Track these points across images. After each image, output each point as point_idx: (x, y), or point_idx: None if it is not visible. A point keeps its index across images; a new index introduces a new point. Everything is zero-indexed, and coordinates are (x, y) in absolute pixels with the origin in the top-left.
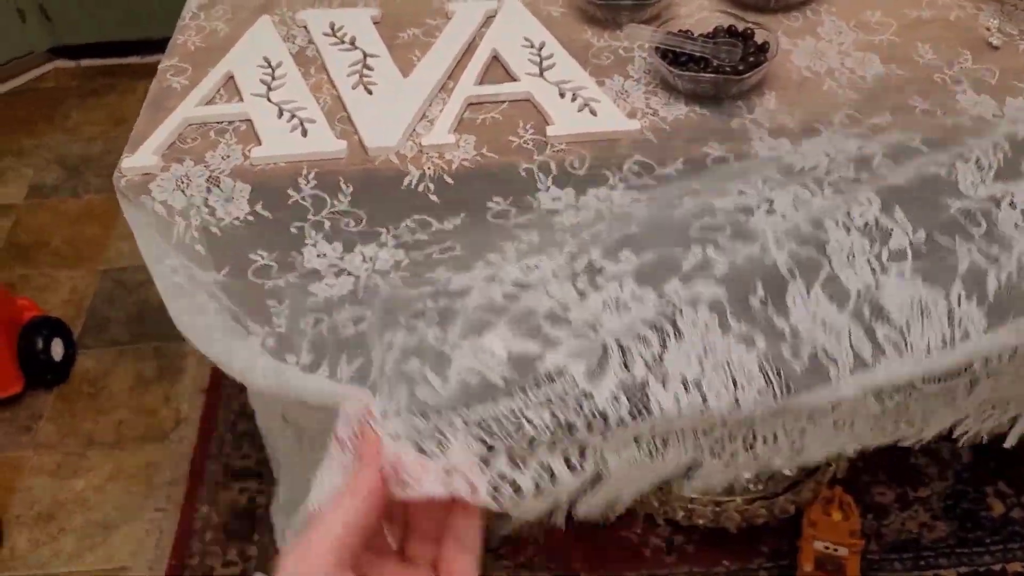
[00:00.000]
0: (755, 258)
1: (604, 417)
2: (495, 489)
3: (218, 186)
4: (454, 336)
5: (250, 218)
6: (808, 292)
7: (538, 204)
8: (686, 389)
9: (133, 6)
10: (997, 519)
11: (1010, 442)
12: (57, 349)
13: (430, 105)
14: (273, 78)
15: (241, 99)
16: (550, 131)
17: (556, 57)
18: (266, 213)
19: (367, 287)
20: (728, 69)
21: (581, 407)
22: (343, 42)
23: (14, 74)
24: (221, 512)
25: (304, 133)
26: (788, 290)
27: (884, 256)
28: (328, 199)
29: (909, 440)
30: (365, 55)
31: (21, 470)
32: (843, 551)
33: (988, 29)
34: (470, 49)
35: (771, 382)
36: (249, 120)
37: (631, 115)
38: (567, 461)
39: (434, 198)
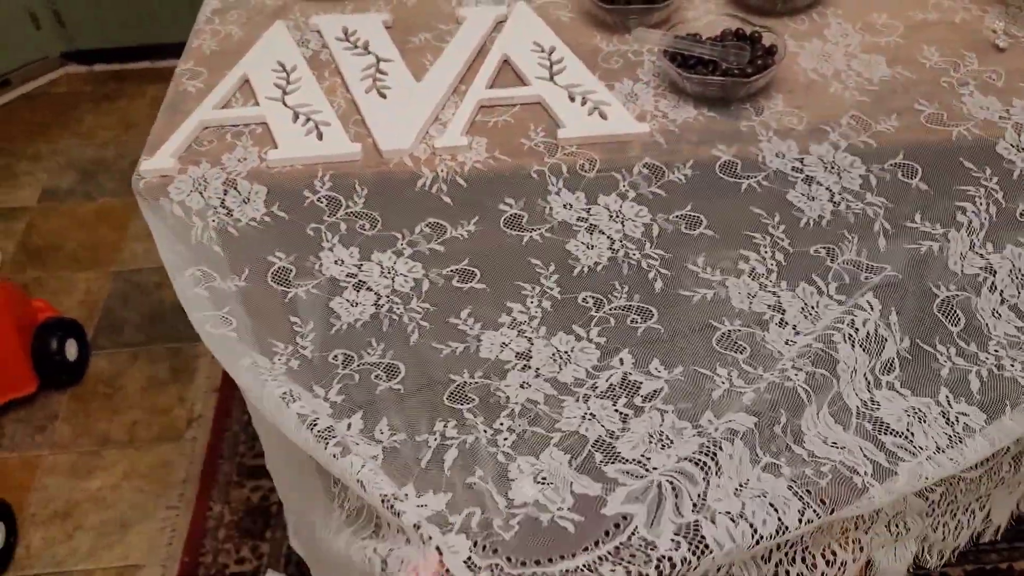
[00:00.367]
0: (777, 385)
1: (671, 562)
2: None
3: (235, 188)
4: (507, 444)
5: (267, 219)
6: (818, 414)
7: (549, 210)
8: (734, 522)
9: (144, 12)
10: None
11: None
12: (71, 350)
13: (442, 108)
14: (288, 82)
15: (256, 102)
16: (561, 134)
17: (566, 61)
18: (282, 214)
19: (391, 319)
20: (736, 72)
21: (648, 556)
22: (356, 47)
23: (28, 79)
24: (234, 510)
25: (319, 136)
26: (804, 414)
27: (877, 368)
28: (343, 200)
29: (987, 534)
30: (378, 59)
31: (36, 469)
32: None
33: (994, 31)
34: (481, 53)
35: (806, 502)
36: (265, 123)
37: (640, 118)
38: None
39: (447, 199)
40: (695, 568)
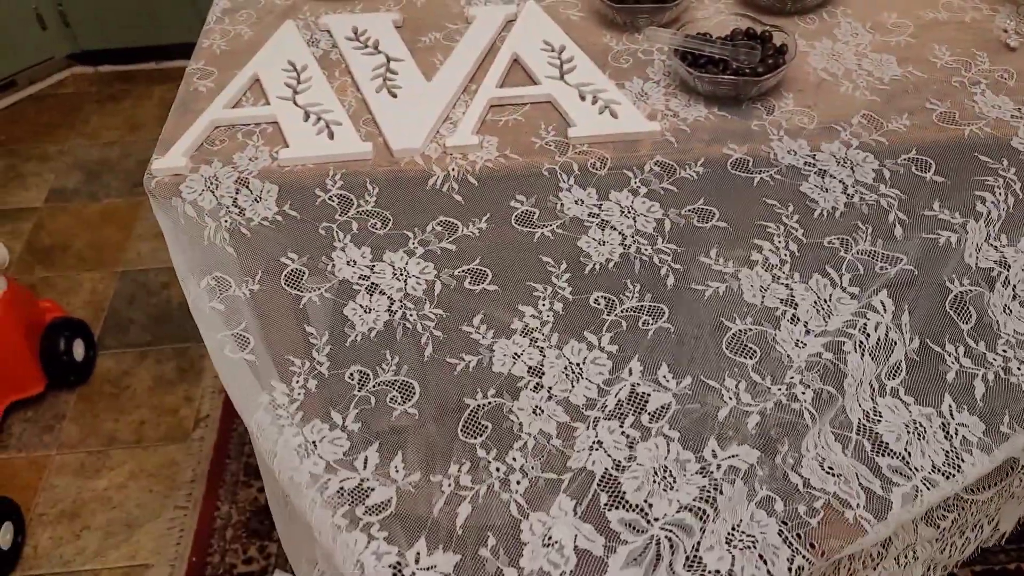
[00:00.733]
0: (784, 406)
1: None
2: None
3: (247, 187)
4: (520, 492)
5: (279, 218)
6: (819, 433)
7: (561, 206)
8: None
9: (150, 13)
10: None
11: None
12: (79, 350)
13: (453, 107)
14: (299, 81)
15: (267, 102)
16: (571, 133)
17: (576, 60)
18: (294, 213)
19: (404, 327)
20: (747, 71)
21: None
22: (366, 46)
23: (34, 80)
24: (242, 510)
25: (331, 135)
26: (806, 436)
27: (884, 374)
28: (354, 199)
29: (992, 541)
30: (388, 59)
31: (44, 469)
32: None
33: (1005, 31)
34: (491, 53)
35: (796, 548)
36: (276, 122)
37: (651, 117)
38: None
39: (458, 198)
40: None
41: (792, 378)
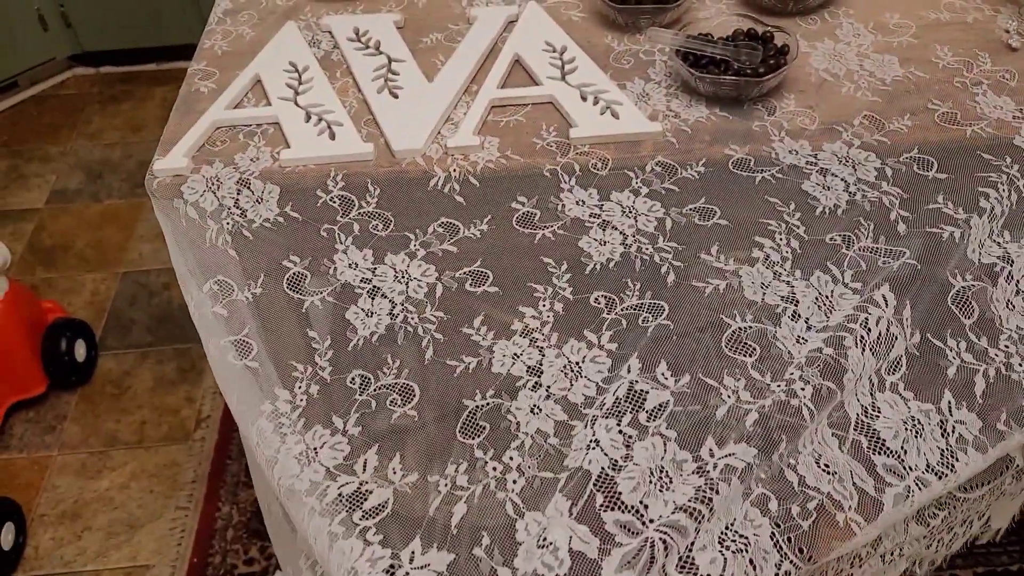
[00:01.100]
0: (782, 403)
1: None
2: None
3: (248, 187)
4: (516, 491)
5: (280, 219)
6: (817, 429)
7: (562, 207)
8: None
9: (152, 14)
10: (1015, 519)
11: None
12: (80, 350)
13: (454, 108)
14: (300, 82)
15: (269, 103)
16: (573, 133)
17: (578, 61)
18: (296, 215)
19: (405, 330)
20: (748, 72)
21: None
22: (368, 47)
23: (36, 81)
24: (243, 511)
25: (332, 136)
26: (804, 432)
27: (884, 369)
28: (356, 200)
29: (984, 538)
30: (390, 59)
31: (46, 469)
32: None
33: (1007, 31)
34: (492, 53)
35: (784, 553)
36: (277, 123)
37: (652, 117)
38: None
39: (460, 199)
40: None
41: (792, 374)
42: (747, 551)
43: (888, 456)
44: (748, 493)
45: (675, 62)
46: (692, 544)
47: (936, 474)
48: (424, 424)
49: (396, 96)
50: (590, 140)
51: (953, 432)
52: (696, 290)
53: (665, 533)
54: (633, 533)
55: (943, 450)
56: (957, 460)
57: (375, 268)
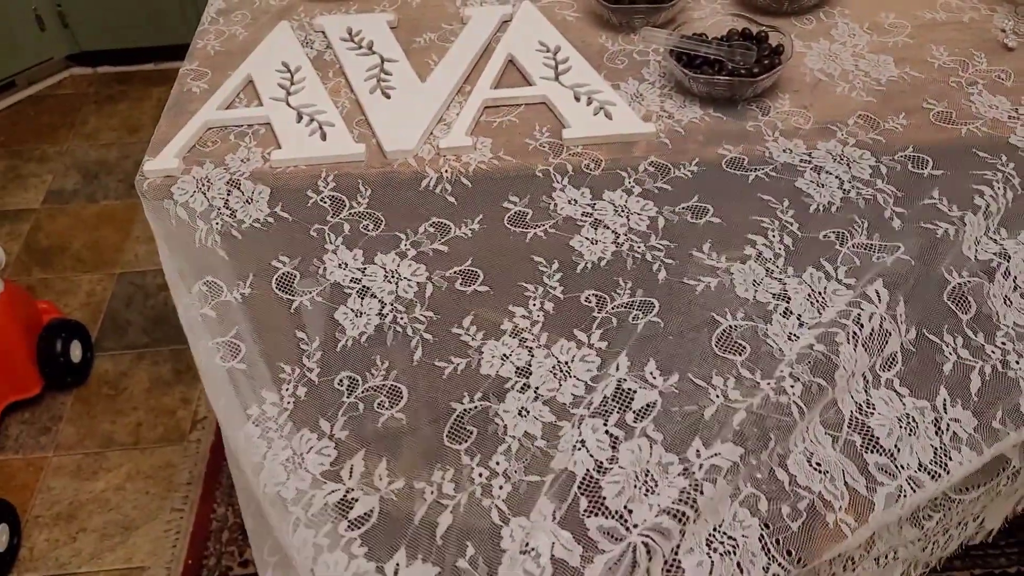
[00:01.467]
0: (772, 401)
1: None
2: None
3: (238, 188)
4: (502, 497)
5: (270, 220)
6: (808, 427)
7: (554, 206)
8: None
9: (149, 14)
10: (1013, 521)
11: None
12: (76, 351)
13: (447, 108)
14: (292, 82)
15: (260, 103)
16: (566, 134)
17: (571, 61)
18: (286, 215)
19: (394, 331)
20: (743, 72)
21: None
22: (360, 47)
23: (33, 81)
24: (238, 512)
25: (323, 137)
26: (794, 431)
27: (878, 365)
28: (347, 201)
29: (978, 538)
30: (383, 59)
31: (41, 471)
32: None
33: (1003, 31)
34: (486, 53)
35: (772, 556)
36: (268, 123)
37: (646, 118)
38: None
39: (451, 199)
40: None
41: (782, 371)
42: (735, 553)
43: (881, 455)
44: (736, 494)
45: (669, 62)
46: (677, 548)
47: (929, 473)
48: (412, 428)
49: (388, 96)
50: (583, 141)
51: (947, 431)
52: (687, 287)
53: (648, 538)
54: (616, 539)
55: (936, 448)
56: (950, 459)
57: (365, 268)
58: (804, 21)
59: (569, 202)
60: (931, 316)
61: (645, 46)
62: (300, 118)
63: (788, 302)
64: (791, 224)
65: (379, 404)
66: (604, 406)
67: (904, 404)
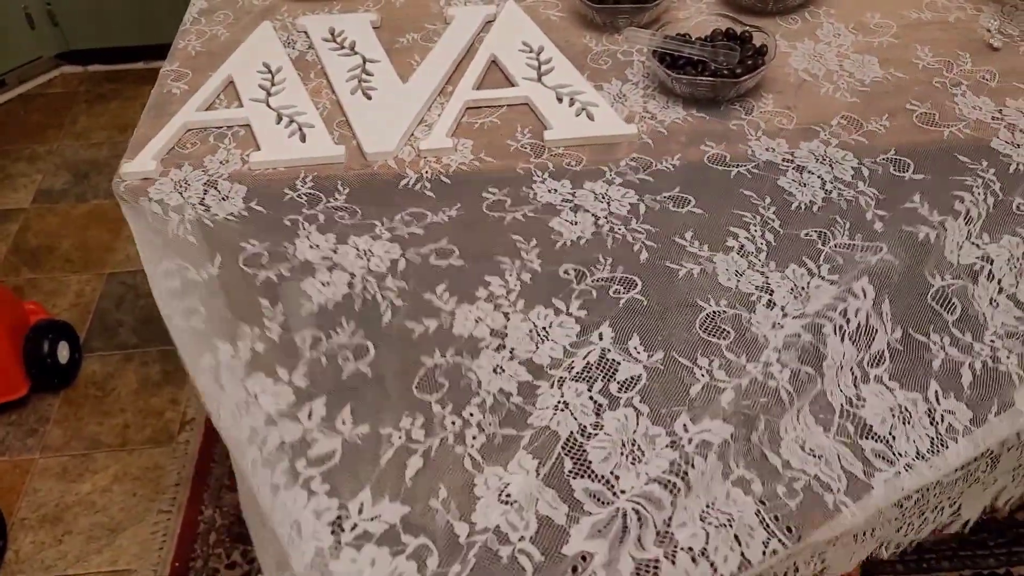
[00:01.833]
0: (759, 383)
1: None
2: None
3: (215, 188)
4: (476, 446)
5: (244, 213)
6: (799, 415)
7: (534, 195)
8: (694, 561)
9: (139, 12)
10: (1002, 521)
11: None
12: (63, 352)
13: (428, 109)
14: (273, 83)
15: (241, 104)
16: (548, 135)
17: (554, 61)
18: (260, 208)
19: (364, 298)
20: (726, 72)
21: None
22: (343, 47)
23: (23, 79)
24: (226, 515)
25: (303, 138)
26: (784, 416)
27: (866, 361)
28: (323, 197)
29: (953, 527)
30: (364, 60)
31: (27, 473)
32: None
33: (988, 30)
34: (469, 54)
35: (772, 531)
36: (249, 125)
37: (629, 119)
38: None
39: (430, 194)
40: None
41: (768, 357)
42: (731, 526)
43: (877, 441)
44: (728, 473)
45: (652, 63)
46: (670, 519)
47: (927, 461)
48: (378, 379)
49: (369, 97)
50: (565, 142)
51: (943, 421)
52: (669, 271)
53: (639, 504)
54: (603, 503)
55: (932, 438)
56: (947, 448)
57: (336, 248)
58: (789, 21)
59: (549, 191)
60: (916, 316)
61: (629, 46)
62: (280, 119)
63: (771, 295)
64: (773, 220)
65: (344, 359)
66: (588, 372)
67: (896, 396)
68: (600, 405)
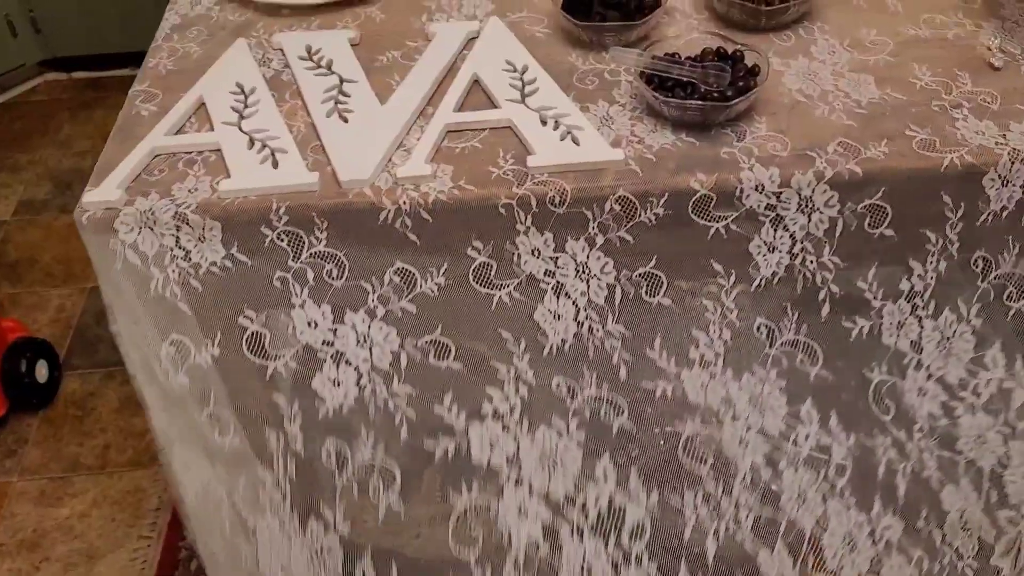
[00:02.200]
0: (730, 537)
1: None
2: None
3: (187, 223)
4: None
5: (228, 263)
6: (773, 552)
7: (518, 258)
8: None
9: (124, 18)
10: None
11: None
12: (42, 371)
13: (407, 133)
14: (246, 105)
15: (212, 127)
16: (531, 161)
17: (539, 82)
18: (244, 258)
19: (375, 405)
20: (716, 95)
21: None
22: (319, 66)
23: (5, 87)
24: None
25: (275, 164)
26: (759, 558)
27: (829, 474)
28: (304, 238)
29: None
30: (341, 80)
31: (5, 496)
32: None
33: (989, 48)
34: (451, 73)
35: None
36: (219, 150)
37: (615, 143)
38: None
39: (413, 237)
40: None
41: (740, 496)
42: None
43: None
44: None
45: (639, 84)
46: None
47: None
48: (417, 534)
49: (346, 120)
50: (548, 169)
51: (882, 539)
52: (646, 392)
53: None
54: None
55: (872, 559)
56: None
57: (336, 329)
58: (783, 38)
59: (532, 252)
60: (860, 422)
61: (616, 66)
62: (252, 144)
63: (734, 407)
64: (732, 311)
65: (374, 490)
66: (601, 525)
67: (851, 516)
68: (616, 564)
